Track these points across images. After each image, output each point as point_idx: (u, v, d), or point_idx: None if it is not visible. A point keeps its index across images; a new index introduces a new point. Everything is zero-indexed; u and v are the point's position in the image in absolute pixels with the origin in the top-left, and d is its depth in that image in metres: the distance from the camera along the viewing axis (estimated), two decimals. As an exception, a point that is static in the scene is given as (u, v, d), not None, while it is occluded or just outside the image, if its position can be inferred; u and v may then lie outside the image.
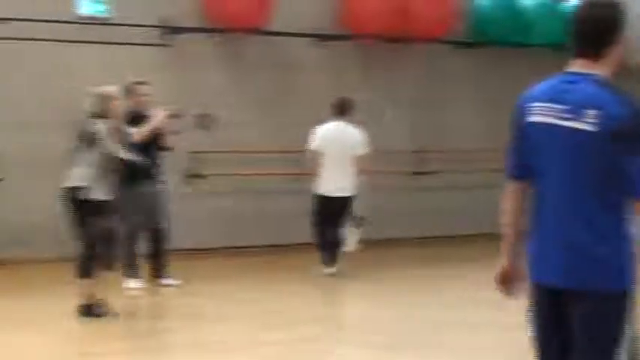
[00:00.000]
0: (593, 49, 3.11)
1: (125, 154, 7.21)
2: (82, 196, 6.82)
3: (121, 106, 7.18)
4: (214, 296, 8.10)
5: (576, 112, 3.07)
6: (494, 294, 3.51)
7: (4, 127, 9.39)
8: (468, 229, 11.66)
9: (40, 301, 7.76)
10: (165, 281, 8.18)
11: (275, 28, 10.93)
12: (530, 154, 3.18)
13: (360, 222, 9.24)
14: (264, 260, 10.15)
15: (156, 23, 10.30)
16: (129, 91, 7.83)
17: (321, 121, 9.24)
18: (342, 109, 9.02)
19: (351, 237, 9.11)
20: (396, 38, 11.68)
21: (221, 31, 10.69)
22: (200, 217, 10.21)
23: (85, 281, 6.85)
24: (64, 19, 9.72)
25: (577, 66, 3.14)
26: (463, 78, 12.57)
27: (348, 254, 9.22)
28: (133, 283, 7.82)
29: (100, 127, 6.80)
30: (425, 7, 11.86)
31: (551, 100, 3.14)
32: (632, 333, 3.19)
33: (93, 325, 6.75)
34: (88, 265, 6.77)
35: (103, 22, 10.11)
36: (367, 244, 9.50)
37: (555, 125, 3.12)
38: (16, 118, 9.42)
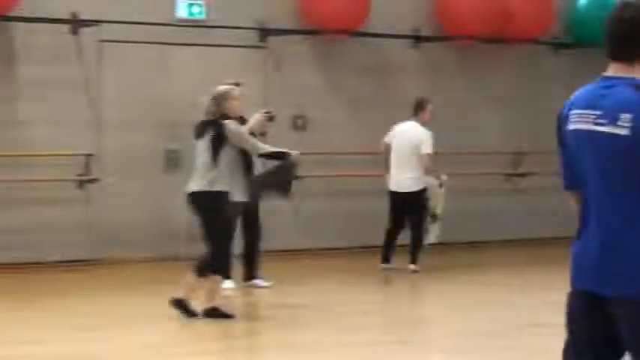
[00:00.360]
0: (628, 52, 3.10)
1: (270, 149, 7.28)
2: (222, 200, 6.85)
3: (239, 106, 7.18)
4: (305, 297, 8.14)
5: (611, 116, 3.07)
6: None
7: (102, 127, 9.62)
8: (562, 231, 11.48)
9: (138, 301, 7.92)
10: (257, 282, 8.26)
11: (371, 29, 10.93)
12: (573, 162, 3.21)
13: (434, 218, 9.50)
14: (352, 261, 10.22)
15: (252, 25, 10.36)
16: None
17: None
18: (415, 109, 9.37)
19: (430, 232, 9.44)
20: (493, 39, 11.54)
21: (316, 32, 10.71)
22: (291, 218, 10.31)
23: (210, 279, 6.93)
24: (163, 21, 9.89)
25: (612, 70, 3.14)
26: (560, 79, 12.34)
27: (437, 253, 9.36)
28: (227, 284, 7.91)
29: (234, 126, 6.81)
30: (523, 7, 11.67)
31: (588, 107, 3.15)
32: None
33: (189, 325, 6.84)
34: (223, 264, 6.92)
35: (200, 25, 10.27)
36: (454, 245, 9.43)
37: (592, 132, 3.13)
38: (113, 119, 9.65)
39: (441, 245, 9.81)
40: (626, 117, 3.05)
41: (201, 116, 6.99)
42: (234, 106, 7.11)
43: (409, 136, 9.24)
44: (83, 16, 9.60)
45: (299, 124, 10.56)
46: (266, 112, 7.81)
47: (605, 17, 3.18)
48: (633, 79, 3.08)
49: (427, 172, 9.34)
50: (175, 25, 10.15)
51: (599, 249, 3.11)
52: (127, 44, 9.67)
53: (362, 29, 10.88)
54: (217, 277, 6.94)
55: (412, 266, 9.20)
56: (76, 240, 9.63)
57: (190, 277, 6.85)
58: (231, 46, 10.34)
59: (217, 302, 6.89)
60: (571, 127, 3.19)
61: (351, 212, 10.82)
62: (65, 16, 9.56)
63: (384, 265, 9.36)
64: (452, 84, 11.29)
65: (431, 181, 9.36)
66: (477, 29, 11.18)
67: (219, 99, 6.93)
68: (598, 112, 3.12)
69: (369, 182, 10.74)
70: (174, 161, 10.04)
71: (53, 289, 8.61)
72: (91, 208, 9.78)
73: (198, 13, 10.19)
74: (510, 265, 10.37)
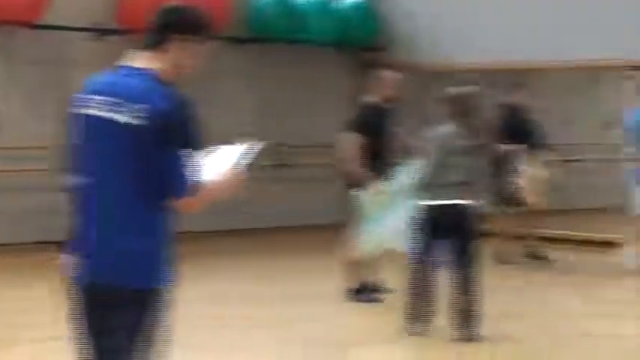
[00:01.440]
0: (153, 42, 3.24)
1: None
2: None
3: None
4: None
5: (126, 105, 3.17)
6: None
7: None
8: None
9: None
10: None
11: (50, 21, 11.28)
12: (81, 148, 3.28)
13: None
14: (23, 257, 10.41)
15: None
16: None
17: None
18: None
19: None
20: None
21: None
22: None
23: None
24: None
25: (137, 59, 3.28)
26: (235, 75, 13.28)
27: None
28: None
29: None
30: (198, 2, 12.51)
31: (104, 94, 3.22)
32: (164, 328, 3.33)
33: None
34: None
35: None
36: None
37: (105, 119, 3.20)
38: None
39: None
40: (140, 107, 3.14)
41: None
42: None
43: None
44: None
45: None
46: None
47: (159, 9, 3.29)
48: (153, 70, 3.22)
49: None
50: None
51: (98, 240, 3.20)
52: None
53: (41, 21, 11.09)
54: None
55: None
56: None
57: None
58: None
59: None
60: (84, 111, 3.25)
61: (26, 208, 11.05)
62: None
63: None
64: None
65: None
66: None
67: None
68: (114, 99, 3.19)
69: (44, 177, 10.96)
70: None
71: None
72: None
73: None
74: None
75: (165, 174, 3.19)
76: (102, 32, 11.44)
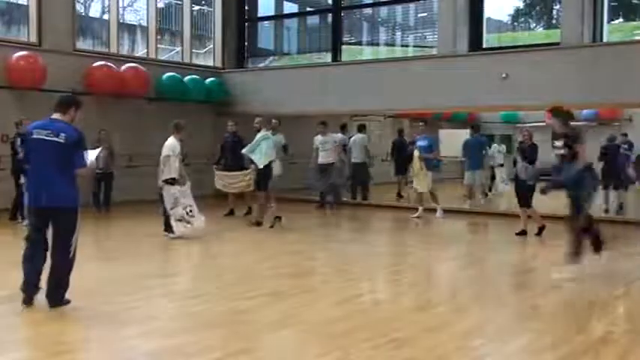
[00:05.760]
0: (63, 109, 6.93)
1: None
2: None
3: None
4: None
5: (56, 134, 6.67)
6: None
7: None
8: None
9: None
10: None
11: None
12: (29, 152, 6.87)
13: None
14: None
15: None
16: None
17: None
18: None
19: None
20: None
21: None
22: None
23: None
24: None
25: (56, 115, 6.83)
26: (149, 115, 17.73)
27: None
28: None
29: None
30: (130, 75, 17.68)
31: (43, 128, 6.76)
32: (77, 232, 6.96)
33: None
34: None
35: None
36: None
37: (44, 139, 6.69)
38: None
39: None
40: (62, 134, 6.75)
41: None
42: None
43: None
44: None
45: None
46: None
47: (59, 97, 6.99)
48: (64, 120, 6.88)
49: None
50: None
51: (47, 189, 6.75)
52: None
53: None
54: None
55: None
56: None
57: None
58: None
59: None
60: (33, 136, 6.84)
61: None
62: None
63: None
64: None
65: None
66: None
67: None
68: (48, 131, 6.77)
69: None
70: None
71: None
72: None
73: None
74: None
75: (76, 160, 6.71)
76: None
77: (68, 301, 7.15)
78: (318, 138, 17.34)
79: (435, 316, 7.41)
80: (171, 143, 12.14)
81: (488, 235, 14.99)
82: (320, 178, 17.43)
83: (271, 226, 13.81)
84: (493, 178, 21.58)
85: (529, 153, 12.62)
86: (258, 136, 13.86)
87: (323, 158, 17.25)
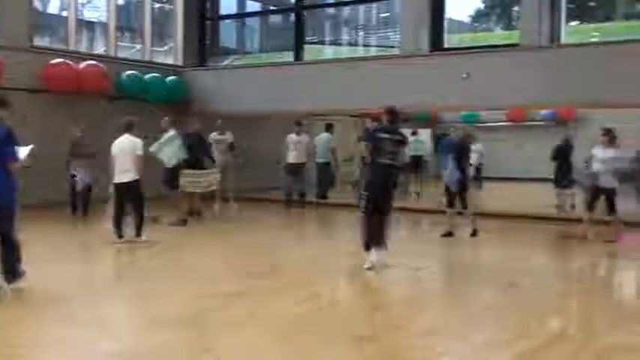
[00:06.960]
0: None
1: None
2: None
3: None
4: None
5: None
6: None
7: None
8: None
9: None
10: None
11: None
12: None
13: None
14: None
15: None
16: None
17: None
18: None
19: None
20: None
21: None
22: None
23: None
24: None
25: None
26: (106, 113, 17.07)
27: None
28: None
29: None
30: (90, 77, 17.46)
31: None
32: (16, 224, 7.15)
33: None
34: None
35: None
36: None
37: None
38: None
39: None
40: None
41: None
42: None
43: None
44: None
45: None
46: None
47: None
48: None
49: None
50: None
51: None
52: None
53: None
54: None
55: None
56: None
57: None
58: None
59: None
60: None
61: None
62: None
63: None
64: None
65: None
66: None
67: None
68: None
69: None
70: None
71: None
72: None
73: None
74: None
75: (8, 154, 6.93)
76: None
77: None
78: (292, 137, 17.33)
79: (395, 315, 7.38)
80: (137, 141, 11.88)
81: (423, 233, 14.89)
82: (293, 179, 17.43)
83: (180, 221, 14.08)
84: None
85: (460, 152, 12.63)
86: (166, 136, 13.91)
87: (295, 158, 17.18)
